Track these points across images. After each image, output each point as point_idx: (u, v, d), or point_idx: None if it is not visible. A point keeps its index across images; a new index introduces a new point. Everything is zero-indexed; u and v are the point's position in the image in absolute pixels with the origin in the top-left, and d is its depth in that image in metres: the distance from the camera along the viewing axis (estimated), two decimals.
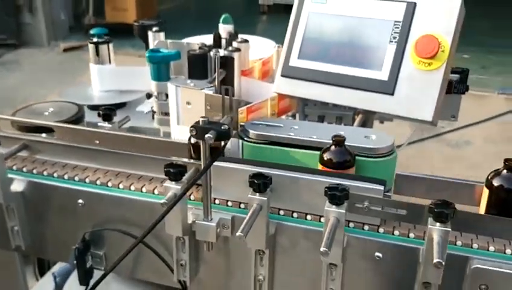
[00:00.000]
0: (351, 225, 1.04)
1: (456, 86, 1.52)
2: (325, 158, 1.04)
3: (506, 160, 1.03)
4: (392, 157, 1.10)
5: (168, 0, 8.88)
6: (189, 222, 1.07)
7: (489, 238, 0.98)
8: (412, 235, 1.00)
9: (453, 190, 1.20)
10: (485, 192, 1.05)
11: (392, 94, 1.24)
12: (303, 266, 1.08)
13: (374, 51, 1.27)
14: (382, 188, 0.99)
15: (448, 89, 1.51)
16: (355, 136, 1.13)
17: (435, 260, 0.84)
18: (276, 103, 1.47)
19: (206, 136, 0.95)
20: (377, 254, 1.01)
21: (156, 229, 1.07)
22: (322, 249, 0.86)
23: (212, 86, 1.23)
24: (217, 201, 1.11)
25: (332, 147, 1.05)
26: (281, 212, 1.08)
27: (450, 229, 0.88)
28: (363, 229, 1.03)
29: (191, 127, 0.97)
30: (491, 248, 0.96)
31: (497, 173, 1.03)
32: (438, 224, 0.89)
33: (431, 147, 4.25)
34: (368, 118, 1.44)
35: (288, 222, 1.07)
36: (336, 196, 0.92)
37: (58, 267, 1.47)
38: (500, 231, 0.95)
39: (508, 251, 0.95)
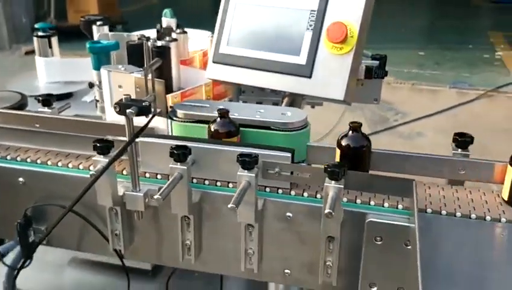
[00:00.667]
0: (268, 189, 1.16)
1: (376, 71, 1.65)
2: (212, 129, 1.18)
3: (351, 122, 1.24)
4: (304, 131, 1.22)
5: (132, 2, 8.92)
6: (120, 194, 1.17)
7: (385, 196, 1.12)
8: (319, 196, 1.12)
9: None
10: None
11: (310, 77, 1.36)
12: (226, 230, 1.19)
13: (293, 37, 1.39)
14: (289, 155, 1.11)
15: (368, 74, 1.65)
16: (273, 114, 1.25)
17: (326, 211, 0.96)
18: (211, 88, 1.59)
19: (128, 111, 1.06)
20: (288, 214, 1.13)
21: (93, 204, 1.18)
22: (229, 205, 0.97)
23: (141, 70, 1.34)
24: (147, 175, 1.22)
25: (218, 119, 1.19)
26: (206, 182, 1.19)
27: (342, 186, 1.01)
28: (276, 192, 1.15)
29: (115, 104, 1.07)
30: (386, 205, 1.10)
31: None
32: (332, 182, 1.02)
33: (384, 139, 4.43)
34: (294, 101, 1.56)
35: (211, 190, 1.18)
36: (246, 161, 1.04)
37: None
38: (391, 190, 1.09)
39: (400, 206, 1.08)
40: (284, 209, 1.14)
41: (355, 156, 1.20)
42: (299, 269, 1.18)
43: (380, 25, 8.01)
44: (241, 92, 1.73)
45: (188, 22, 1.90)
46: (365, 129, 3.87)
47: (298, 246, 1.16)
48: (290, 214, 1.13)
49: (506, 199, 1.11)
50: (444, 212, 1.07)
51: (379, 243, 1.07)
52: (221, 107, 1.21)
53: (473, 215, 1.05)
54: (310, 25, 1.38)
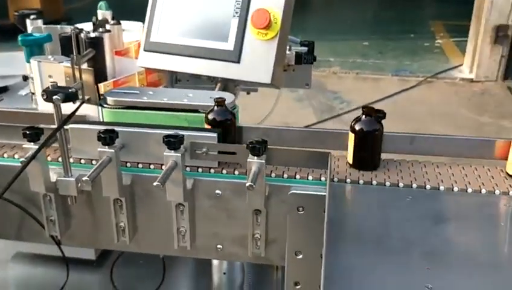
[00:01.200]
0: (196, 169, 1.21)
1: (305, 57, 1.74)
2: (209, 118, 1.22)
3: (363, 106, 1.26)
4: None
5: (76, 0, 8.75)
6: (53, 180, 1.20)
7: (310, 170, 1.19)
8: (238, 172, 1.19)
9: None
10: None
11: (238, 62, 1.42)
12: (159, 211, 1.24)
13: (221, 24, 1.45)
14: (216, 135, 1.17)
15: (298, 60, 1.73)
16: (201, 98, 1.31)
17: (247, 184, 1.02)
18: (144, 77, 1.62)
19: (54, 97, 1.08)
20: (216, 191, 1.19)
21: (30, 193, 1.20)
22: (155, 183, 1.02)
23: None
24: (82, 161, 1.25)
25: (215, 108, 1.22)
26: (140, 165, 1.23)
27: (263, 161, 1.07)
28: (206, 171, 1.20)
29: (42, 91, 1.10)
30: (310, 177, 1.17)
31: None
32: (255, 158, 1.08)
33: (330, 127, 4.55)
34: (227, 87, 1.61)
35: (142, 172, 1.22)
36: (171, 141, 1.09)
37: None
38: (311, 163, 1.16)
39: (322, 178, 1.16)
40: (212, 187, 1.19)
41: (369, 140, 1.24)
42: (231, 244, 1.24)
43: (326, 17, 8.19)
44: (176, 80, 1.78)
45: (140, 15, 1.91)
46: (312, 118, 4.08)
47: (228, 221, 1.22)
48: (219, 192, 1.19)
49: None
50: (361, 181, 1.16)
51: (301, 213, 1.14)
52: (217, 96, 1.26)
53: (388, 183, 1.15)
54: (236, 12, 1.43)
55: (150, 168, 1.23)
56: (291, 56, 1.71)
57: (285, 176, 1.19)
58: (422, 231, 0.99)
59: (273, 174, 1.19)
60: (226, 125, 1.25)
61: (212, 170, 1.21)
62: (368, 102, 4.96)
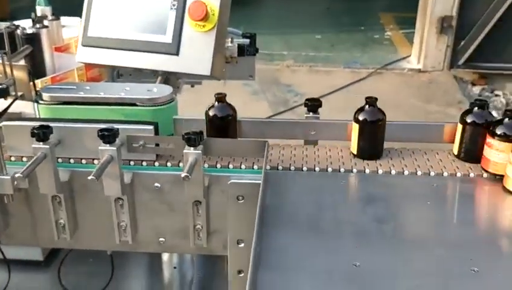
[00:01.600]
0: (132, 163, 1.21)
1: (247, 49, 1.75)
2: (211, 114, 1.25)
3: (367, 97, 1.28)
4: (169, 105, 1.28)
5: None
6: None
7: (255, 159, 1.21)
8: (181, 164, 1.19)
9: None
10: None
11: (177, 54, 1.42)
12: (99, 206, 1.22)
13: (159, 17, 1.44)
14: (152, 128, 1.17)
15: (241, 52, 1.75)
16: (139, 91, 1.30)
17: (182, 175, 1.03)
18: (84, 72, 1.60)
19: None
20: (155, 184, 1.19)
21: None
22: (89, 177, 1.01)
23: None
24: (24, 159, 1.22)
25: (216, 104, 1.27)
26: (84, 161, 1.21)
27: (200, 152, 1.08)
28: (142, 165, 1.20)
29: None
30: (243, 166, 1.19)
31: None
32: (191, 148, 1.09)
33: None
34: (169, 80, 1.61)
35: (80, 168, 1.21)
36: (106, 135, 1.08)
37: None
38: (251, 152, 1.18)
39: (255, 166, 1.18)
40: (151, 180, 1.19)
41: (372, 129, 1.26)
42: (173, 236, 1.24)
43: (280, 12, 8.23)
44: (118, 75, 1.76)
45: None
46: (267, 111, 4.11)
47: (169, 214, 1.22)
48: (158, 184, 1.19)
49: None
50: (292, 168, 1.18)
51: (241, 202, 1.16)
52: (218, 92, 1.27)
53: (317, 169, 1.18)
54: (174, 5, 1.43)
55: (86, 163, 1.22)
56: (233, 48, 1.71)
57: (224, 166, 1.20)
58: (353, 212, 1.03)
59: (212, 165, 1.20)
60: (227, 120, 1.27)
61: (146, 163, 1.21)
62: (321, 94, 5.03)
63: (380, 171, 1.18)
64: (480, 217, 1.08)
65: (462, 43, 5.00)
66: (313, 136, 1.28)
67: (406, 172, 1.19)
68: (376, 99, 1.29)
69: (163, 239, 1.25)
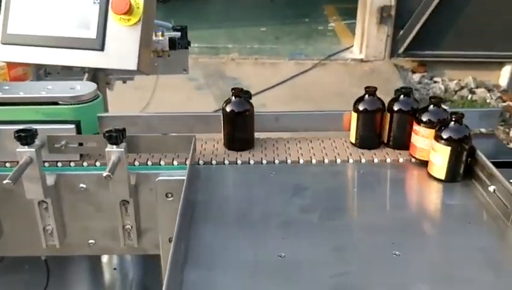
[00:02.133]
0: (60, 164, 1.16)
1: (179, 42, 1.72)
2: (228, 110, 1.23)
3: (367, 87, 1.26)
4: (93, 103, 1.23)
5: None
6: None
7: (176, 155, 1.19)
8: (98, 163, 1.16)
9: None
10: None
11: (102, 50, 1.38)
12: (23, 210, 1.17)
13: (82, 12, 1.39)
14: (73, 126, 1.13)
15: (173, 45, 1.71)
16: (61, 89, 1.25)
17: (104, 174, 0.99)
18: (6, 72, 1.52)
19: None
20: (81, 185, 1.15)
21: None
22: (5, 181, 0.96)
23: None
24: None
25: (233, 99, 1.24)
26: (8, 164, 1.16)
27: (123, 150, 1.05)
28: (67, 165, 1.16)
29: None
30: (175, 163, 1.17)
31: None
32: (114, 146, 1.05)
33: None
34: (96, 77, 1.55)
35: (3, 172, 1.14)
36: (22, 136, 1.03)
37: None
38: (178, 148, 1.16)
39: (175, 162, 1.16)
40: (76, 181, 1.15)
41: (372, 119, 1.25)
42: (102, 237, 1.21)
43: (224, 5, 8.19)
44: (46, 74, 1.69)
45: None
46: (213, 105, 4.05)
47: (97, 215, 1.18)
48: (84, 185, 1.15)
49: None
50: (214, 162, 1.18)
51: (171, 199, 1.13)
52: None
53: (239, 161, 1.18)
54: None
55: (11, 166, 1.16)
56: (164, 42, 1.69)
57: (151, 163, 1.17)
58: (280, 205, 1.02)
59: (137, 163, 1.17)
60: (244, 116, 1.23)
61: (73, 164, 1.17)
62: (267, 86, 5.04)
63: (314, 161, 1.19)
64: (404, 201, 1.10)
65: (401, 32, 5.13)
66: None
67: (327, 160, 1.20)
68: (375, 88, 1.28)
69: (93, 241, 1.21)
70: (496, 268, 0.87)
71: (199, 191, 1.08)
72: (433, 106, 1.18)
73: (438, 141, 1.10)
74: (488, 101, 4.87)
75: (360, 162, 1.19)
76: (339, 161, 1.19)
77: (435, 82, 5.14)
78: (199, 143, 1.27)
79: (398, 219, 1.01)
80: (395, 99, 1.27)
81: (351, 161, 1.19)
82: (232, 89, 1.26)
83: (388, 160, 1.21)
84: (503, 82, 5.21)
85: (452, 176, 1.11)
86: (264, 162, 1.18)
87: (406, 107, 1.25)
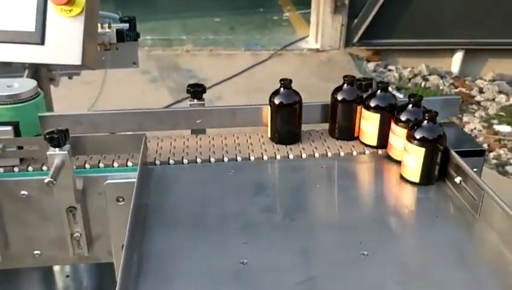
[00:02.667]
0: (1, 170, 1.06)
1: (127, 34, 1.62)
2: (276, 102, 1.17)
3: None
4: (33, 102, 1.13)
5: None
6: None
7: (130, 155, 1.10)
8: (45, 168, 1.06)
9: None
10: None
11: (42, 44, 1.27)
12: None
13: (19, 4, 1.27)
14: (11, 128, 1.02)
15: (121, 38, 1.61)
16: None
17: (46, 180, 0.90)
18: None
19: None
20: (22, 192, 1.05)
21: None
22: None
23: None
24: None
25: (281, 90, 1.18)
26: None
27: (66, 152, 0.96)
28: (6, 171, 1.06)
29: None
30: (130, 163, 1.08)
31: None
32: (56, 149, 0.96)
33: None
34: (37, 73, 1.44)
35: None
36: None
37: None
38: (128, 148, 1.07)
39: (129, 163, 1.08)
40: (16, 188, 1.05)
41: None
42: (49, 247, 1.11)
43: None
44: None
45: None
46: (168, 98, 3.90)
47: (42, 223, 1.08)
48: (25, 192, 1.05)
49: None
50: (172, 161, 1.09)
51: (122, 203, 1.05)
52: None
53: (199, 160, 1.10)
54: None
55: None
56: (111, 34, 1.58)
57: (104, 165, 1.09)
58: (240, 206, 0.96)
59: (88, 165, 1.08)
60: (293, 108, 1.18)
61: (17, 169, 1.07)
62: (223, 78, 4.96)
63: (265, 157, 1.13)
64: (369, 197, 1.06)
65: (355, 21, 5.14)
66: (199, 124, 1.20)
67: (291, 156, 1.14)
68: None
69: (39, 252, 1.11)
70: (467, 263, 0.84)
71: (152, 193, 1.00)
72: (412, 106, 1.10)
73: (410, 142, 1.03)
74: (441, 88, 4.96)
75: (314, 156, 1.14)
76: (291, 156, 1.14)
77: (390, 70, 5.19)
78: (154, 141, 1.18)
79: (364, 216, 0.96)
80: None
81: (304, 155, 1.14)
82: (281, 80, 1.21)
83: (342, 153, 1.16)
84: (454, 69, 5.32)
85: (427, 178, 1.04)
86: (226, 159, 1.11)
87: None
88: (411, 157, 1.04)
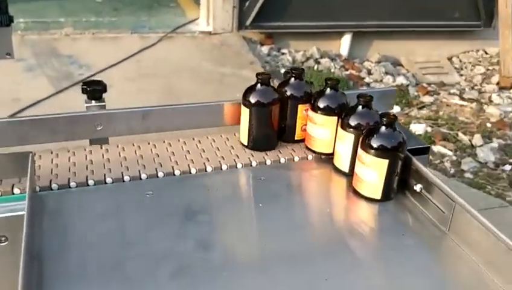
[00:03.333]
0: None
1: None
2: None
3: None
4: None
5: None
6: None
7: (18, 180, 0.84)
8: None
9: None
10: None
11: None
12: None
13: None
14: None
15: None
16: None
17: None
18: None
19: None
20: None
21: None
22: None
23: None
24: None
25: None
26: None
27: None
28: None
29: None
30: (16, 191, 0.82)
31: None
32: None
33: (72, 96, 4.05)
34: None
35: None
36: None
37: None
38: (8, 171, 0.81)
39: (16, 190, 0.82)
40: None
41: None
42: None
43: None
44: None
45: None
46: (48, 88, 3.41)
47: None
48: None
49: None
50: (73, 183, 0.85)
51: (4, 244, 0.79)
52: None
53: (109, 179, 0.87)
54: None
55: None
56: None
57: None
58: (168, 241, 0.75)
59: None
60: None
61: None
62: (109, 64, 4.58)
63: (193, 171, 0.93)
64: (324, 215, 0.91)
65: (247, 3, 5.01)
66: (100, 132, 0.96)
67: (224, 166, 0.95)
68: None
69: None
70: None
71: (47, 231, 0.76)
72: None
73: (367, 152, 0.88)
74: (332, 70, 5.02)
75: (251, 165, 0.97)
76: (239, 165, 0.95)
77: (283, 54, 5.15)
78: (47, 157, 0.92)
79: (320, 242, 0.81)
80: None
81: (239, 166, 0.96)
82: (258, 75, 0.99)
83: (283, 160, 1.00)
84: (343, 51, 5.43)
85: (388, 193, 0.90)
86: (144, 176, 0.89)
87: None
88: (370, 170, 0.88)
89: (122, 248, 0.74)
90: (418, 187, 0.86)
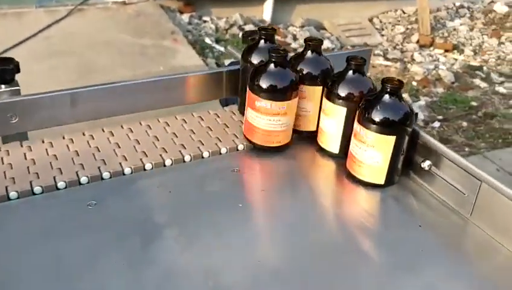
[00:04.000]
0: None
1: None
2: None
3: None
4: None
5: None
6: None
7: None
8: None
9: None
10: None
11: None
12: None
13: None
14: None
15: None
16: None
17: None
18: None
19: None
20: None
21: None
22: None
23: None
24: None
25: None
26: None
27: None
28: None
29: None
30: None
31: None
32: None
33: None
34: None
35: None
36: None
37: None
38: None
39: None
40: None
41: None
42: None
43: None
44: None
45: None
46: None
47: None
48: None
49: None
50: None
51: None
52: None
53: (37, 188, 0.65)
54: None
55: None
56: None
57: None
58: (122, 274, 0.56)
59: None
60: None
61: None
62: (14, 43, 4.13)
63: (148, 166, 0.72)
64: (312, 207, 0.74)
65: None
66: (16, 126, 0.72)
67: (187, 157, 0.76)
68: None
69: None
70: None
71: None
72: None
73: (368, 128, 0.70)
74: None
75: (220, 153, 0.78)
76: (206, 154, 0.76)
77: (205, 22, 4.90)
78: None
79: (323, 241, 0.64)
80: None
81: (206, 155, 0.77)
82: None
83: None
84: (266, 16, 5.27)
85: (392, 176, 0.74)
86: (84, 179, 0.67)
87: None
88: (372, 151, 0.71)
89: (59, 283, 0.53)
90: (426, 164, 0.72)
